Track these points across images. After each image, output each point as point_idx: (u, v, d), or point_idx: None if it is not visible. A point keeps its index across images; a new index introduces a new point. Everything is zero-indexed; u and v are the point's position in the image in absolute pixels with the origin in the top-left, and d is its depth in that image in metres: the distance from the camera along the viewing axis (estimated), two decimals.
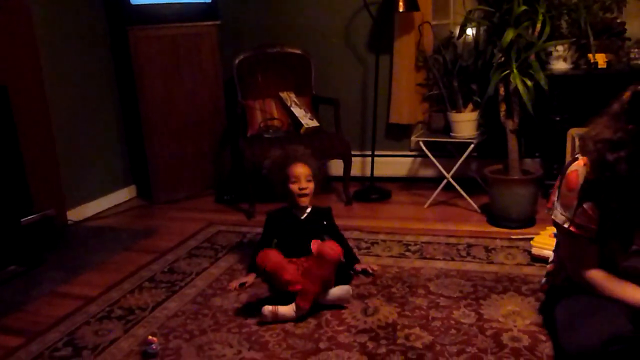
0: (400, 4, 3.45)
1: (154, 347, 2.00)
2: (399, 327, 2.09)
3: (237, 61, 3.75)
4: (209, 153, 4.00)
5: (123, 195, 3.97)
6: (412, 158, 3.98)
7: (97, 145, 3.74)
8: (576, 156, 1.64)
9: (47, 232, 3.06)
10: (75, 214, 3.54)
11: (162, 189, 3.84)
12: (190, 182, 3.95)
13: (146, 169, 3.83)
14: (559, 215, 1.66)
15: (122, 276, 2.69)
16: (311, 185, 2.45)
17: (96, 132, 3.74)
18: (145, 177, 3.87)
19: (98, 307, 2.39)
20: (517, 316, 2.10)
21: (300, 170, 2.44)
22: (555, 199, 1.69)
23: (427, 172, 3.89)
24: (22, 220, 2.92)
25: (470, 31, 3.35)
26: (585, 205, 1.58)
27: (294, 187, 2.42)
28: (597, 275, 1.65)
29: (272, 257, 2.21)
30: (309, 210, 2.49)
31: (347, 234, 3.00)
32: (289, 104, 3.73)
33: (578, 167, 1.60)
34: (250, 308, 2.29)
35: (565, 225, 1.62)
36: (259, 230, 3.18)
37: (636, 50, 3.19)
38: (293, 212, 2.48)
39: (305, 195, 2.43)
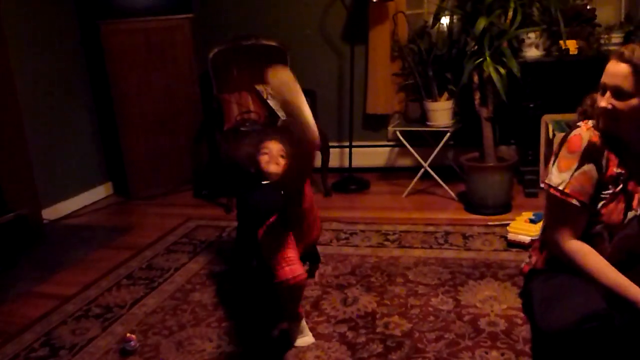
0: None
1: (133, 344, 1.99)
2: (378, 315, 2.10)
3: (211, 54, 3.71)
4: (185, 148, 3.96)
5: (99, 192, 3.92)
6: (390, 148, 3.99)
7: (71, 143, 3.68)
8: (578, 124, 1.67)
9: (21, 231, 3.00)
10: (51, 213, 3.48)
11: (139, 185, 3.80)
12: (168, 178, 3.91)
13: (122, 165, 3.78)
14: (554, 177, 1.66)
15: (100, 274, 2.66)
16: (283, 161, 2.16)
17: (70, 128, 3.67)
18: (122, 174, 3.83)
19: (75, 306, 2.37)
20: (494, 301, 2.14)
21: (273, 145, 2.18)
22: (551, 164, 1.70)
23: (405, 162, 3.91)
24: None
25: (444, 20, 3.36)
26: (585, 167, 1.61)
27: (264, 158, 2.17)
28: (579, 247, 1.67)
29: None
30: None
31: (326, 225, 3.01)
32: (265, 97, 3.70)
33: (581, 132, 1.64)
34: (230, 302, 2.28)
35: (561, 187, 1.63)
36: None
37: (606, 36, 3.25)
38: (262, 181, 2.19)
39: (276, 165, 2.16)
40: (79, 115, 3.76)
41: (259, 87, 3.74)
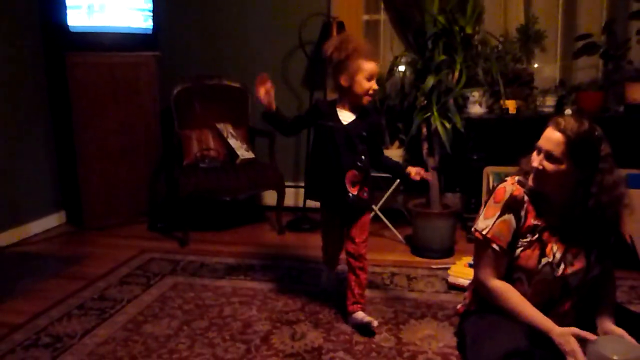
0: None
1: None
2: (324, 351, 2.21)
3: (175, 91, 3.82)
4: (143, 180, 4.02)
5: (52, 220, 3.90)
6: None
7: (25, 169, 3.67)
8: (506, 178, 1.90)
9: None
10: (1, 239, 3.44)
11: (93, 215, 3.81)
12: (123, 209, 3.94)
13: (77, 194, 3.79)
14: (480, 222, 1.87)
15: (50, 303, 2.66)
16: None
17: (25, 155, 3.67)
18: (77, 203, 3.83)
19: (24, 335, 2.36)
20: (432, 339, 2.29)
21: (375, 69, 2.27)
22: (481, 210, 1.90)
23: None
24: None
25: (397, 74, 3.60)
26: (506, 217, 1.81)
27: (366, 85, 2.25)
28: (501, 286, 1.85)
29: None
30: (355, 116, 2.35)
31: (278, 263, 3.12)
32: (225, 135, 3.83)
33: (506, 185, 1.86)
34: (181, 334, 2.35)
35: (484, 232, 1.83)
36: (193, 258, 3.26)
37: (542, 98, 3.56)
38: (337, 111, 2.35)
39: (371, 96, 2.31)
40: (36, 142, 3.76)
41: (220, 126, 3.87)
